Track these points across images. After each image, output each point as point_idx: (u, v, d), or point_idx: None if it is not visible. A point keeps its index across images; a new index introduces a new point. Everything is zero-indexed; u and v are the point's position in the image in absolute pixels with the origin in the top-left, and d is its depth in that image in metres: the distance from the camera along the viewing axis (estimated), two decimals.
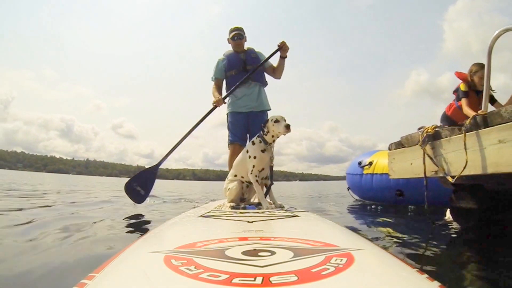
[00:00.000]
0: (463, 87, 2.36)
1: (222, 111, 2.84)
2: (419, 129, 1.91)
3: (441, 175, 1.64)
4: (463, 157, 1.43)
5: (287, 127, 1.52)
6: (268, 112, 2.79)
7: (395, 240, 1.70)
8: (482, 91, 2.28)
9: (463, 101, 2.29)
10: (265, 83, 2.76)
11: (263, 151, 1.56)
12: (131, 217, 2.46)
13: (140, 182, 2.70)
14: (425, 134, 1.79)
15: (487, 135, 1.34)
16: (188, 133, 2.85)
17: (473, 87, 2.36)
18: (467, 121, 1.47)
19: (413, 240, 1.71)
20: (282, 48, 2.56)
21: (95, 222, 2.08)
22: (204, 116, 2.77)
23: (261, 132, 1.60)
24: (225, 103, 2.67)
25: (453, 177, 1.55)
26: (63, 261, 1.12)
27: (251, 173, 1.54)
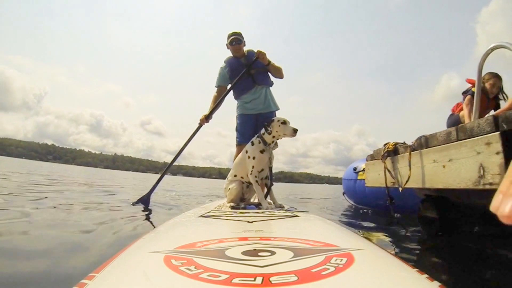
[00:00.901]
0: (474, 89, 2.47)
1: (232, 113, 2.89)
2: (384, 145, 2.15)
3: (396, 186, 1.88)
4: (408, 172, 1.67)
5: (295, 131, 1.53)
6: (276, 112, 2.81)
7: (395, 240, 1.70)
8: (491, 98, 2.41)
9: (468, 97, 2.39)
10: (270, 83, 2.77)
11: (262, 151, 1.56)
12: (131, 217, 2.46)
13: (140, 204, 3.04)
14: (385, 150, 2.05)
15: (426, 155, 1.54)
16: (177, 155, 3.05)
17: (484, 92, 2.45)
18: (414, 141, 1.71)
19: (412, 240, 1.71)
20: (258, 58, 2.59)
21: (95, 222, 2.07)
22: (192, 135, 2.97)
23: (261, 133, 1.60)
24: (207, 122, 2.78)
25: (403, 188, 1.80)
26: (63, 261, 1.12)
27: (250, 174, 1.54)
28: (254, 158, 1.55)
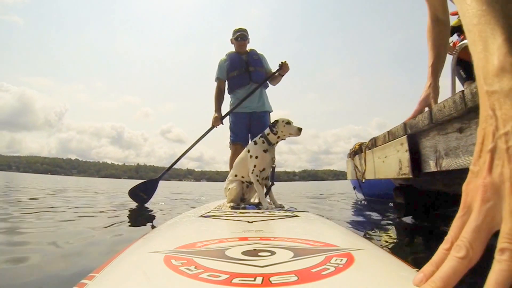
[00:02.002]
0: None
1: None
2: (354, 145, 2.51)
3: (362, 179, 2.22)
4: (365, 167, 2.07)
5: (299, 130, 1.57)
6: (270, 113, 2.79)
7: (395, 240, 1.70)
8: None
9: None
10: (266, 85, 2.77)
11: (265, 151, 1.57)
12: (131, 217, 2.46)
13: (143, 190, 2.97)
14: (352, 150, 2.44)
15: (375, 153, 1.83)
16: (186, 151, 3.03)
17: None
18: (368, 142, 2.00)
19: (413, 240, 1.72)
20: (282, 68, 2.62)
21: (95, 222, 2.08)
22: (202, 136, 2.90)
23: (265, 133, 1.60)
24: (223, 124, 2.75)
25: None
26: (63, 261, 1.12)
27: (252, 173, 1.54)
28: (256, 157, 1.56)
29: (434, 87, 1.23)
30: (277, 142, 1.61)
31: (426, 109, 1.20)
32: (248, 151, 1.60)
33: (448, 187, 1.52)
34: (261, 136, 1.61)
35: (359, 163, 2.32)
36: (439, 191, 1.90)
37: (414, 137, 1.28)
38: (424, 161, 1.22)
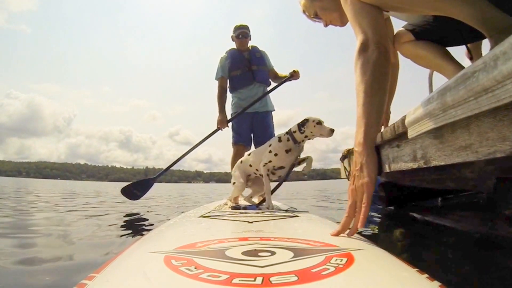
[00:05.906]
0: None
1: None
2: (343, 150, 2.97)
3: (348, 178, 2.58)
4: (349, 168, 2.63)
5: (332, 131, 1.46)
6: (272, 112, 2.76)
7: (395, 240, 1.70)
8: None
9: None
10: (268, 84, 2.73)
11: (287, 151, 1.49)
12: (131, 217, 2.46)
13: (138, 187, 2.99)
14: (342, 154, 2.92)
15: (351, 159, 2.09)
16: (187, 152, 3.00)
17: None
18: (351, 149, 2.36)
19: (412, 240, 1.71)
20: (293, 76, 2.62)
21: (96, 223, 2.08)
22: (206, 137, 2.80)
23: (291, 130, 1.52)
24: (228, 126, 2.67)
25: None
26: (63, 262, 1.12)
27: (264, 165, 1.49)
28: (276, 154, 1.48)
29: (386, 114, 1.59)
30: (303, 141, 1.51)
31: (383, 127, 1.52)
32: (270, 145, 1.53)
33: (413, 182, 1.79)
34: (286, 133, 1.52)
35: (348, 164, 2.85)
36: (410, 186, 2.18)
37: (377, 148, 1.60)
38: (383, 165, 1.72)
